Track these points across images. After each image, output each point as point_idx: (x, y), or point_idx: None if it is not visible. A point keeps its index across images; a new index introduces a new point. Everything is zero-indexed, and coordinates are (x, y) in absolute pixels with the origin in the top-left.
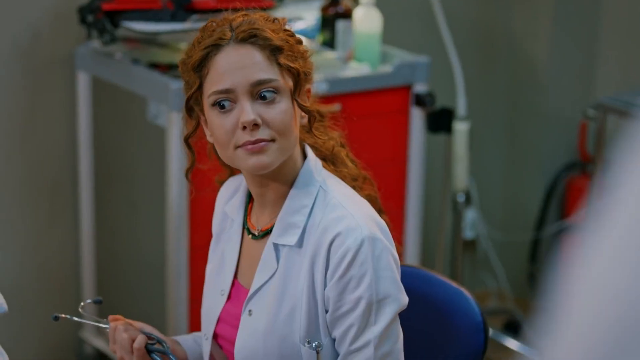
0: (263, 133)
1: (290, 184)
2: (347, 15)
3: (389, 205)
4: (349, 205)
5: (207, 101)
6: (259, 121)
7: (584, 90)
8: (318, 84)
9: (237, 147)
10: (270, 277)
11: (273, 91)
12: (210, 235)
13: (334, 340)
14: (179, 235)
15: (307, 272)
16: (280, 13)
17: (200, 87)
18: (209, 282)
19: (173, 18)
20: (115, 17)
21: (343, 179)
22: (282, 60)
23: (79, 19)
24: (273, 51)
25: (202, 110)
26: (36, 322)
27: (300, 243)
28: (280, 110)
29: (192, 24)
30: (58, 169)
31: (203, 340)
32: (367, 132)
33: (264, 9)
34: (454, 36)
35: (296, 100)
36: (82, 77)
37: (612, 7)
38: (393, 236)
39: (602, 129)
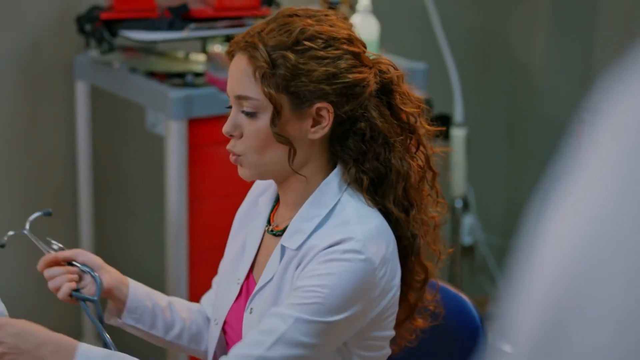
0: (235, 145)
1: (309, 193)
2: None
3: None
4: (356, 224)
5: None
6: (233, 133)
7: (581, 96)
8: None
9: None
10: (272, 279)
11: (251, 108)
12: (209, 242)
13: None
14: (178, 243)
15: (295, 273)
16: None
17: None
18: (228, 267)
19: (170, 27)
20: (113, 26)
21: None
22: (263, 83)
23: (77, 28)
24: (259, 69)
25: None
26: None
27: (300, 247)
28: (256, 127)
29: (189, 33)
30: (57, 177)
31: (212, 325)
32: None
33: (261, 17)
34: (451, 43)
35: (272, 128)
36: (80, 86)
37: (608, 13)
38: None
39: None
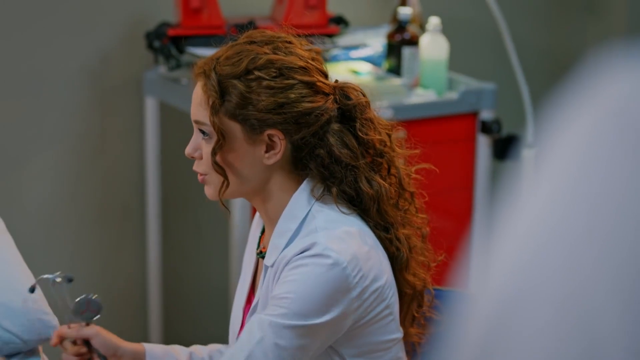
0: (198, 165)
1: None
2: (413, 42)
3: (455, 233)
4: (323, 229)
5: None
6: (194, 155)
7: None
8: (383, 111)
9: None
10: (259, 298)
11: (205, 132)
12: None
13: None
14: (243, 258)
15: (271, 288)
16: (346, 40)
17: None
18: (237, 294)
19: None
20: (180, 42)
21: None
22: (211, 112)
23: (146, 44)
24: (210, 98)
25: None
26: None
27: (274, 263)
28: (208, 150)
29: None
30: (126, 192)
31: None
32: (433, 159)
33: (329, 35)
34: (523, 63)
35: (212, 156)
36: (149, 101)
37: None
38: (458, 261)
39: None
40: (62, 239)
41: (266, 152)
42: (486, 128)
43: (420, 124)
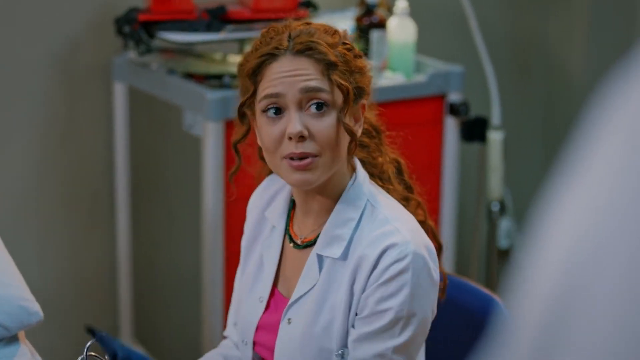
0: (308, 146)
1: (337, 197)
2: (381, 25)
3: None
4: (396, 221)
5: (258, 106)
6: (305, 133)
7: None
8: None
9: (282, 157)
10: (312, 288)
11: (322, 103)
12: None
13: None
14: (214, 244)
15: (348, 283)
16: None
17: (254, 94)
18: (247, 287)
19: (208, 28)
20: (151, 27)
21: (391, 195)
22: (335, 76)
23: (115, 30)
24: (327, 66)
25: (254, 115)
26: (73, 330)
27: (344, 256)
28: (329, 124)
29: (227, 35)
30: (95, 178)
31: (241, 345)
32: (401, 141)
33: (298, 19)
34: (488, 45)
35: (341, 120)
36: (118, 87)
37: None
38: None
39: None
40: (32, 225)
41: (354, 124)
42: (454, 110)
43: (388, 107)
